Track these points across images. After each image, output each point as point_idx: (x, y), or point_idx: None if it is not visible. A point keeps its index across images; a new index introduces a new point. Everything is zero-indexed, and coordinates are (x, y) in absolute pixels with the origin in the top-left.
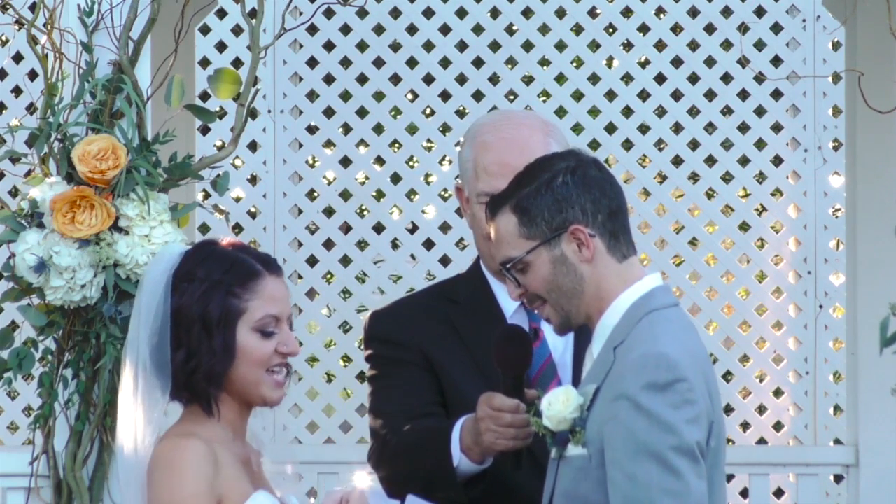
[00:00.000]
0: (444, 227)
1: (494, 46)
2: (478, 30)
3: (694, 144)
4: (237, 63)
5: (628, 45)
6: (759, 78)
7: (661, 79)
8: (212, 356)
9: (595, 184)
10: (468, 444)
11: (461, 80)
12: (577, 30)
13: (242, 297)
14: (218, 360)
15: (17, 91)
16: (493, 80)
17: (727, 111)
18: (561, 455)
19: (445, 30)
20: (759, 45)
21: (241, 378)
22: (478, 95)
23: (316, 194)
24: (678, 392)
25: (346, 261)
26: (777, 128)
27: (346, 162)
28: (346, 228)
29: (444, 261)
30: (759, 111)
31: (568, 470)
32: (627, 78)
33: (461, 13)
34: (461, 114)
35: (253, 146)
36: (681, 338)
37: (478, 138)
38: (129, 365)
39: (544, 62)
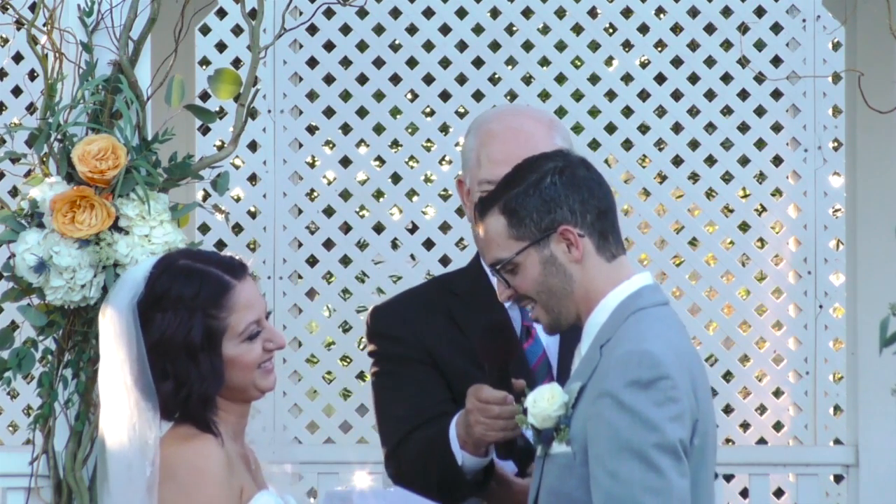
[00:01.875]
0: (444, 227)
1: (494, 46)
2: (478, 30)
3: (694, 144)
4: (237, 63)
5: (628, 45)
6: (759, 78)
7: (661, 79)
8: (202, 381)
9: (583, 184)
10: (462, 438)
11: (461, 80)
12: (577, 30)
13: (220, 317)
14: (209, 383)
15: (17, 91)
16: (493, 80)
17: (727, 111)
18: (546, 453)
19: (445, 30)
20: (759, 45)
21: (235, 384)
22: (478, 95)
23: (316, 194)
24: (661, 389)
25: (346, 261)
26: (777, 128)
27: (346, 162)
28: (346, 228)
29: (444, 261)
30: (759, 111)
31: (553, 467)
32: (627, 78)
33: (461, 13)
34: (461, 114)
35: (253, 146)
36: (667, 335)
37: (482, 127)
38: (115, 391)
39: (544, 62)
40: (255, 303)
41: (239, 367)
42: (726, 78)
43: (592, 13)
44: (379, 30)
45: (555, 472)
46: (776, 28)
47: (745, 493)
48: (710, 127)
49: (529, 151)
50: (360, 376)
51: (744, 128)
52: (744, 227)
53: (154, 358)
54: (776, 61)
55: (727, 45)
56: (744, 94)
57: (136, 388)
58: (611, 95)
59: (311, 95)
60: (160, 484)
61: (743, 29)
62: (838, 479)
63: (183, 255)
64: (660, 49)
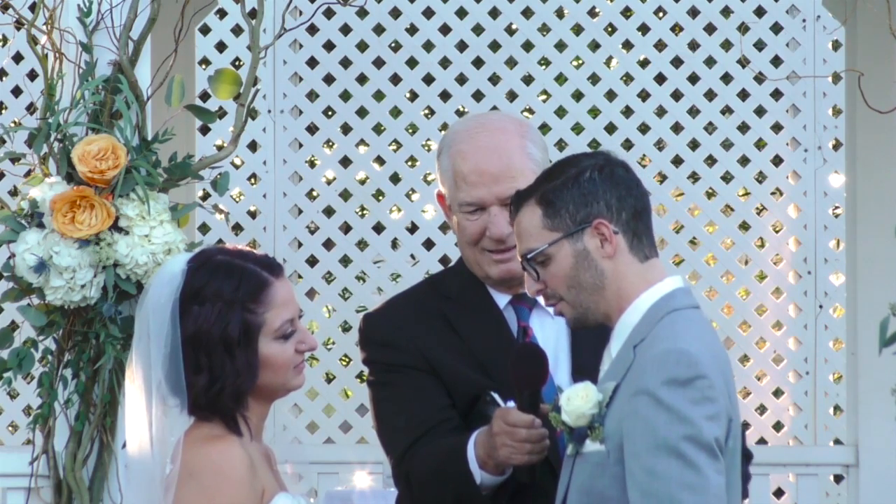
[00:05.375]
0: (444, 227)
1: (494, 46)
2: (478, 30)
3: (694, 144)
4: (237, 63)
5: (628, 45)
6: (759, 78)
7: (661, 79)
8: (236, 376)
9: (622, 183)
10: (482, 459)
11: (461, 80)
12: (577, 30)
13: (258, 312)
14: (243, 378)
15: (17, 91)
16: (493, 80)
17: (727, 111)
18: (577, 451)
19: (445, 30)
20: (759, 45)
21: (267, 384)
22: (478, 95)
23: (316, 194)
24: (698, 388)
25: (346, 261)
26: (777, 128)
27: (346, 162)
28: (346, 228)
29: (444, 261)
30: (759, 111)
31: (585, 466)
32: (627, 78)
33: (461, 13)
34: (461, 114)
35: (253, 146)
36: (702, 337)
37: (454, 147)
38: (142, 388)
39: (544, 62)
40: (290, 301)
41: (272, 368)
42: (726, 78)
43: (592, 13)
44: (379, 30)
45: (587, 471)
46: (776, 28)
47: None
48: (710, 127)
49: (503, 165)
50: (360, 376)
51: (744, 128)
52: (744, 227)
53: (189, 351)
54: (776, 61)
55: (727, 45)
56: (744, 94)
57: (165, 384)
58: (611, 95)
59: (311, 95)
60: (182, 484)
61: (743, 29)
62: (838, 479)
63: (219, 252)
64: (660, 49)
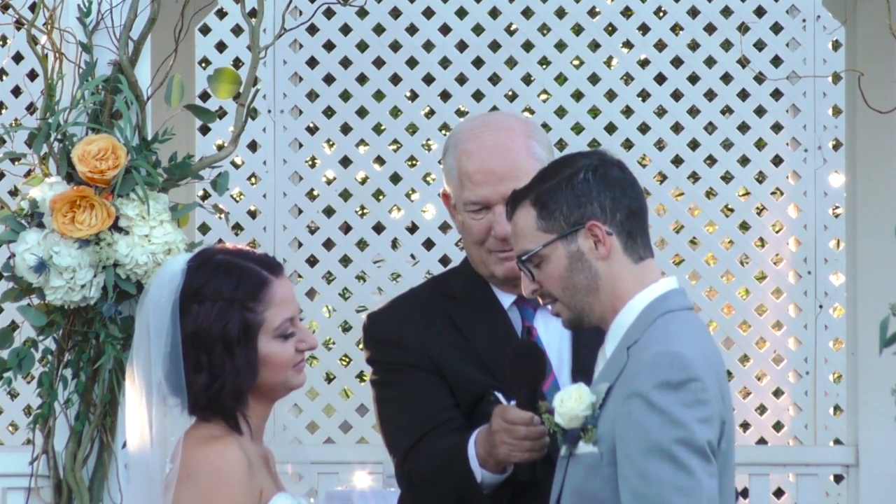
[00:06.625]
0: (444, 227)
1: (494, 46)
2: (478, 30)
3: (694, 144)
4: (237, 63)
5: (628, 45)
6: (759, 78)
7: (661, 79)
8: (236, 375)
9: (616, 183)
10: (483, 457)
11: (461, 80)
12: (577, 30)
13: (257, 311)
14: (243, 377)
15: (17, 91)
16: (493, 80)
17: (727, 111)
18: (571, 453)
19: (445, 30)
20: (759, 45)
21: (267, 383)
22: (478, 95)
23: (316, 194)
24: (691, 391)
25: (346, 261)
26: (777, 128)
27: (346, 162)
28: (346, 228)
29: (444, 261)
30: (759, 111)
31: (578, 467)
32: (627, 78)
33: (461, 13)
34: (461, 114)
35: (253, 146)
36: (695, 339)
37: (459, 146)
38: (143, 388)
39: (544, 62)
40: (290, 300)
41: (272, 367)
42: (726, 78)
43: (592, 13)
44: (379, 30)
45: (580, 473)
46: (776, 28)
47: (745, 493)
48: (710, 127)
49: (509, 165)
50: (360, 376)
51: (744, 128)
52: (744, 227)
53: (189, 349)
54: (776, 61)
55: (727, 45)
56: (744, 94)
57: (166, 383)
58: (611, 95)
59: (311, 95)
60: (180, 485)
61: (743, 29)
62: (838, 479)
63: (219, 251)
64: (660, 49)
